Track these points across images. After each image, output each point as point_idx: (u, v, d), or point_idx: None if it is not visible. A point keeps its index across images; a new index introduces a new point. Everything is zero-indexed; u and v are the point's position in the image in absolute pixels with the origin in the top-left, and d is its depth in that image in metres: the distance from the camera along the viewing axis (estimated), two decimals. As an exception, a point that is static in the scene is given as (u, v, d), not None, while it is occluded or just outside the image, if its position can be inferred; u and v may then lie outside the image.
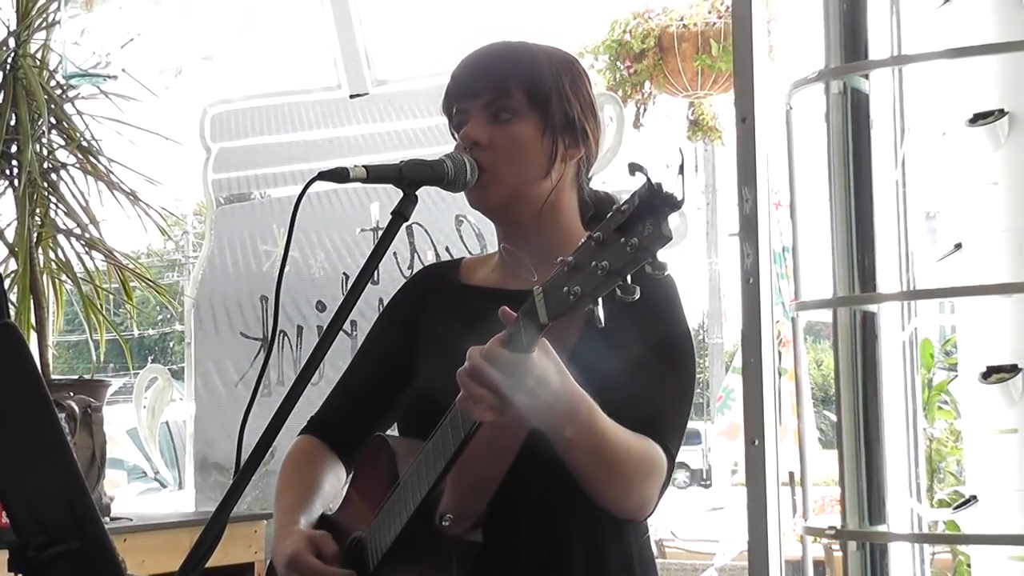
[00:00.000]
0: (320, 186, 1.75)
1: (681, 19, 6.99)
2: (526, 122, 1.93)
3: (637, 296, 1.46)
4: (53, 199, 4.20)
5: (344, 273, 4.39)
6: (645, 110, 7.22)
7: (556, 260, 1.54)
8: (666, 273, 1.46)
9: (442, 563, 1.79)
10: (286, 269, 1.94)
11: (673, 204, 1.42)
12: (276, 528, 1.98)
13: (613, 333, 1.75)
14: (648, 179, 1.43)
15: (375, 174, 1.76)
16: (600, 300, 1.49)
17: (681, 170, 1.44)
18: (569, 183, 1.99)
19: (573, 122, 1.96)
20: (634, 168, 1.44)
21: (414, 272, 2.32)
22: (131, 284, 4.34)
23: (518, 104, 1.93)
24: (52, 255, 4.19)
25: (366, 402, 2.10)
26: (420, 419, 1.83)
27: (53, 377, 4.16)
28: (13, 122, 4.12)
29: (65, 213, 4.21)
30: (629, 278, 1.46)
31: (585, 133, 1.98)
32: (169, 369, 5.34)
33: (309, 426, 2.15)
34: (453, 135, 2.00)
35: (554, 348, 1.67)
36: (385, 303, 2.19)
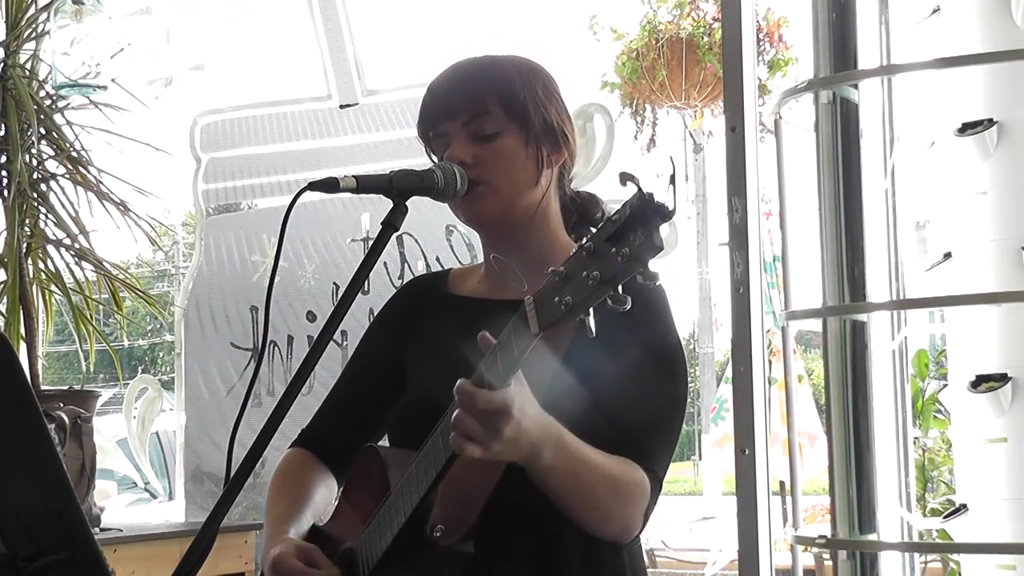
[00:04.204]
0: (310, 196, 1.75)
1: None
2: (508, 135, 1.93)
3: (628, 306, 1.46)
4: (43, 209, 4.19)
5: (334, 283, 4.38)
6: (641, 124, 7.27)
7: (546, 269, 1.54)
8: (657, 283, 1.46)
9: (433, 574, 1.79)
10: (276, 279, 1.94)
11: (664, 214, 1.42)
12: (265, 538, 1.98)
13: (604, 344, 1.76)
14: (639, 189, 1.43)
15: (365, 184, 1.76)
16: (592, 310, 1.49)
17: (672, 180, 1.44)
18: (554, 189, 2.00)
19: (553, 127, 1.96)
20: (625, 178, 1.44)
21: (404, 283, 2.32)
22: (121, 294, 4.33)
23: (497, 119, 1.93)
24: (42, 265, 4.18)
25: (356, 414, 2.10)
26: (411, 430, 1.83)
27: (43, 388, 4.14)
28: (3, 132, 4.12)
29: (55, 223, 4.21)
30: (620, 288, 1.46)
31: (565, 136, 1.99)
32: (159, 379, 5.33)
33: (300, 439, 2.15)
34: (431, 158, 1.99)
35: (547, 355, 1.67)
36: (375, 313, 2.19)
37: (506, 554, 1.85)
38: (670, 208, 1.42)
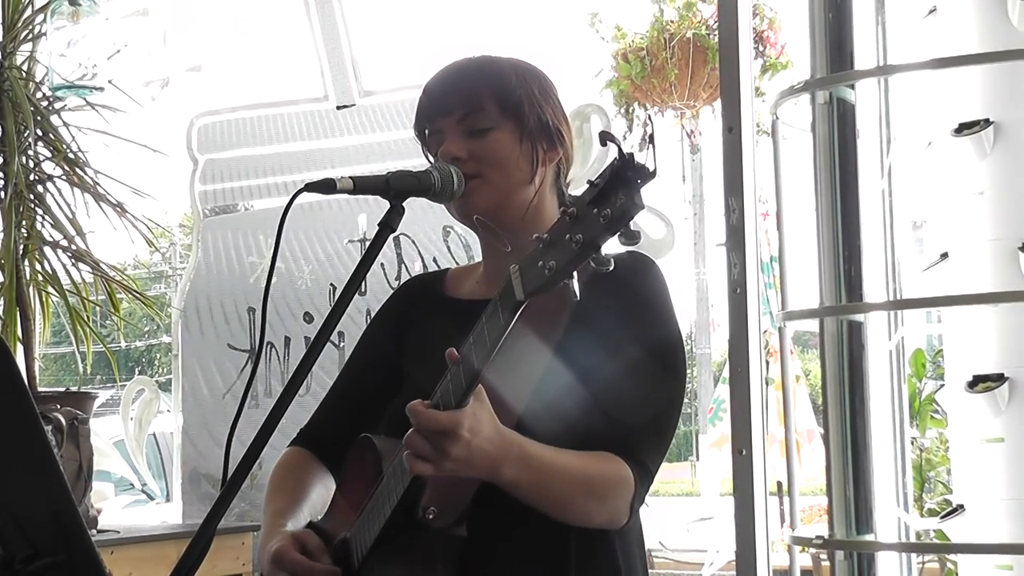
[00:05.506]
0: (307, 197, 1.76)
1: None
2: (502, 131, 1.94)
3: (611, 267, 1.49)
4: (39, 211, 4.18)
5: (331, 284, 4.39)
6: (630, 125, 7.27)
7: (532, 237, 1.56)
8: (637, 243, 1.47)
9: (427, 558, 1.80)
10: (273, 280, 1.94)
11: (645, 174, 1.44)
12: (263, 533, 1.98)
13: (600, 336, 1.77)
14: (620, 150, 1.44)
15: (362, 185, 1.77)
16: (575, 274, 1.50)
17: (651, 140, 1.45)
18: (549, 187, 2.01)
19: (548, 126, 1.98)
20: (605, 137, 1.46)
21: (401, 283, 2.32)
22: (118, 296, 4.32)
23: (491, 115, 1.94)
24: (39, 267, 4.17)
25: (354, 413, 2.11)
26: (407, 428, 1.83)
27: (40, 389, 4.13)
28: (-1, 134, 4.11)
29: (52, 225, 4.20)
30: (603, 249, 1.48)
31: (560, 136, 2.00)
32: (156, 381, 5.33)
33: (298, 438, 2.16)
34: (427, 157, 2.00)
35: (539, 342, 1.68)
36: (372, 314, 2.19)
37: (501, 539, 1.85)
38: (651, 168, 1.44)
